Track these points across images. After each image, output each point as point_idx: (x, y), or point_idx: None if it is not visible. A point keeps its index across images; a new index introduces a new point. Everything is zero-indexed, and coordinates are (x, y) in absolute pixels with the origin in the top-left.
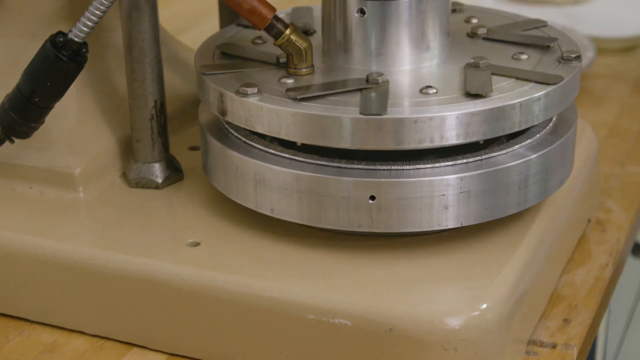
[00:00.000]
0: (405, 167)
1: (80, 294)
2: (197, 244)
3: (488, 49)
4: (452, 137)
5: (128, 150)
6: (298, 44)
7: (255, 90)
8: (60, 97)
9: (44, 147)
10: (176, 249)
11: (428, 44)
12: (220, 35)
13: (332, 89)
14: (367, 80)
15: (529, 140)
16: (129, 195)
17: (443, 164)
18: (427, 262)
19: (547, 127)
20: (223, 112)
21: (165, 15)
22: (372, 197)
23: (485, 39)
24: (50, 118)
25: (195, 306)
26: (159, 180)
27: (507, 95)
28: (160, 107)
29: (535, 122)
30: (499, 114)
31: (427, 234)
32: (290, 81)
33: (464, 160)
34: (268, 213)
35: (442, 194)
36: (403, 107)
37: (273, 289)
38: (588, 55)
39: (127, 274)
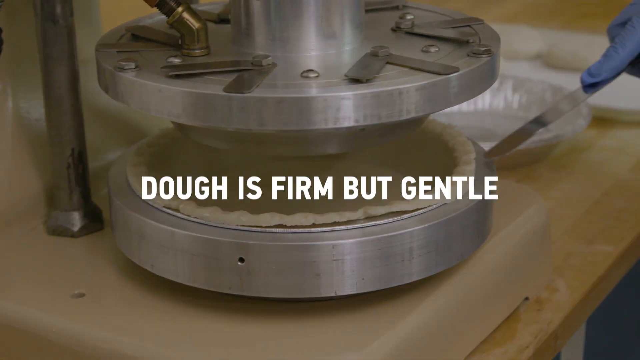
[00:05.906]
0: (276, 231)
1: None
2: (81, 295)
3: (402, 41)
4: (319, 121)
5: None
6: (189, 24)
7: (132, 65)
8: None
9: None
10: (57, 299)
11: (332, 31)
12: (141, 19)
13: (210, 69)
14: (252, 63)
15: (421, 211)
16: (42, 243)
17: (318, 229)
18: (296, 329)
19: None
20: (106, 89)
21: None
22: (242, 260)
23: (407, 32)
24: None
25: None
26: (75, 229)
27: (387, 82)
28: (79, 156)
29: (419, 114)
30: (373, 100)
31: (309, 300)
32: (177, 61)
33: (342, 227)
34: (149, 269)
35: (313, 261)
36: (272, 87)
37: (124, 344)
38: (578, 121)
39: (5, 322)
